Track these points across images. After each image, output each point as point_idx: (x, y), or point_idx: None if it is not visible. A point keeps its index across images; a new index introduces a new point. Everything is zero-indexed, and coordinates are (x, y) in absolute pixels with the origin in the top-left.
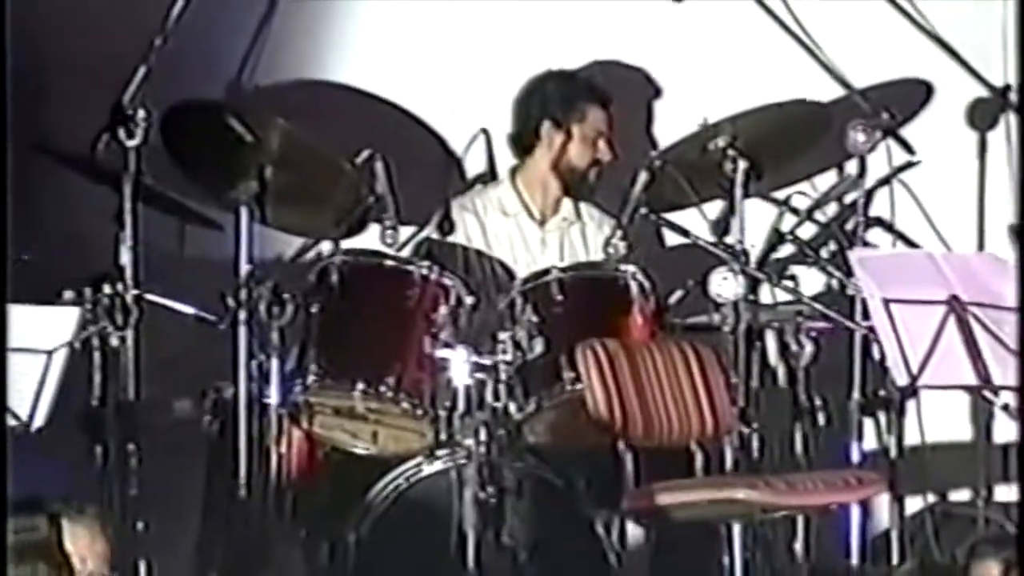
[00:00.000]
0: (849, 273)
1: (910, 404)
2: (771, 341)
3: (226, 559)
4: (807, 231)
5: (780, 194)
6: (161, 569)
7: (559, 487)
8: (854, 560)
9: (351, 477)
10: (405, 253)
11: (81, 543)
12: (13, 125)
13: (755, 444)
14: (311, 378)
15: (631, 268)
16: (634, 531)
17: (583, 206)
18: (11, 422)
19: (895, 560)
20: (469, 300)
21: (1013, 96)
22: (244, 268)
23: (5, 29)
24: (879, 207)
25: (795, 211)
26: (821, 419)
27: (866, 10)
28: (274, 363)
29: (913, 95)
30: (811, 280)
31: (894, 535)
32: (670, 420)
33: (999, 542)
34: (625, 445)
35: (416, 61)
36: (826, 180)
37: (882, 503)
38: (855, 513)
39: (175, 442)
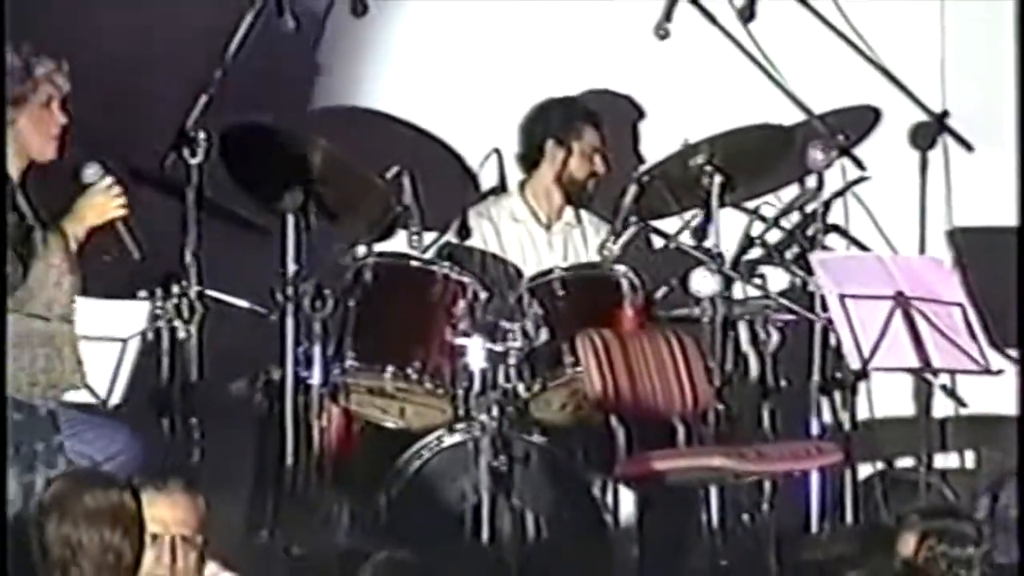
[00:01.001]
0: (810, 272)
1: (862, 384)
2: (743, 331)
3: (274, 517)
4: (774, 236)
5: (751, 204)
6: (218, 525)
7: (561, 456)
8: (813, 518)
9: (382, 447)
10: (429, 255)
11: (161, 511)
12: (101, 149)
13: (728, 419)
14: (348, 362)
15: (623, 268)
16: (625, 494)
17: (583, 213)
18: (91, 399)
19: (848, 518)
20: (484, 295)
21: (949, 121)
22: (291, 268)
23: (4, 29)
24: (835, 216)
25: (763, 219)
26: (786, 396)
27: (824, 47)
28: (316, 349)
29: (864, 119)
30: (777, 278)
31: (848, 497)
32: (656, 398)
33: (927, 514)
34: (618, 420)
35: (437, 91)
36: (790, 192)
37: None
38: (814, 478)
39: (231, 417)
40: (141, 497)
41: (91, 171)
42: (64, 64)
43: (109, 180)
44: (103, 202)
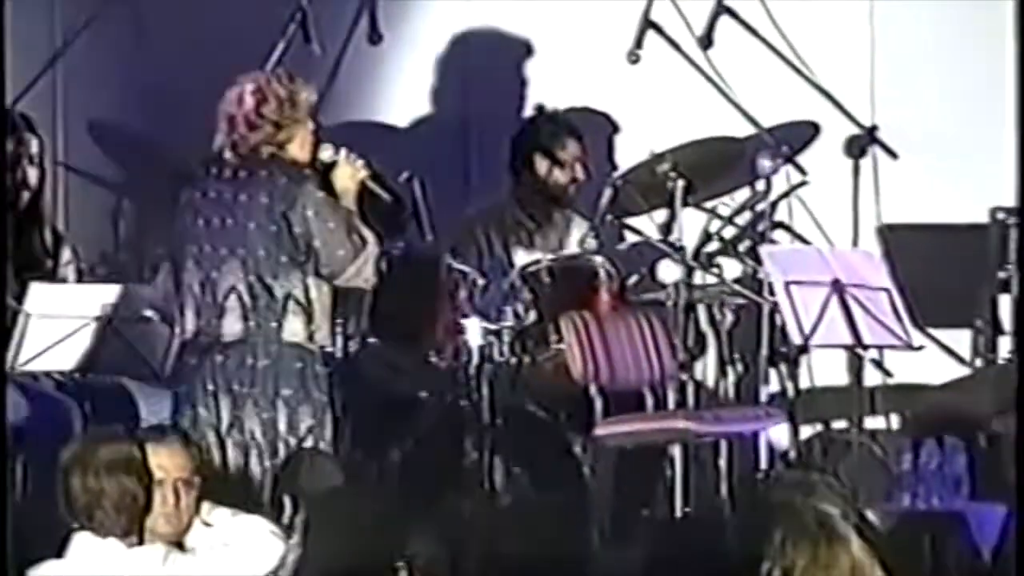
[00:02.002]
0: (759, 263)
1: (803, 358)
2: (702, 313)
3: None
4: (729, 232)
5: (709, 204)
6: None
7: (547, 420)
8: (761, 471)
9: (396, 412)
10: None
11: (163, 459)
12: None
13: (691, 388)
14: (367, 339)
15: (600, 258)
16: (602, 452)
17: (565, 212)
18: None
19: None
20: (481, 282)
21: (878, 133)
22: None
23: (4, 29)
24: (781, 214)
25: (720, 217)
26: (739, 368)
27: (772, 70)
28: (339, 329)
29: (805, 132)
30: (732, 268)
31: (791, 454)
32: (628, 370)
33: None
34: (596, 389)
35: (442, 107)
36: (742, 194)
37: (783, 431)
38: (763, 438)
39: None
40: (146, 448)
41: (328, 153)
42: (312, 82)
43: (344, 151)
44: (352, 171)
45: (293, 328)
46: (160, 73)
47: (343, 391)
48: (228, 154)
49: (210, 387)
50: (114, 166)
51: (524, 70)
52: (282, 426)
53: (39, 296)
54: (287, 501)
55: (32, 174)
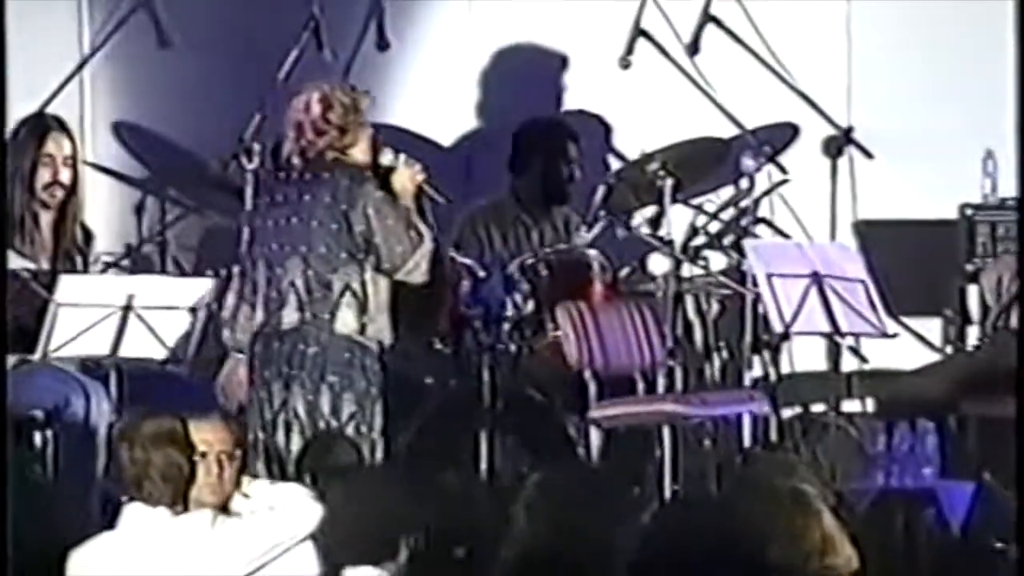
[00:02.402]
0: (743, 256)
1: (784, 345)
2: (690, 303)
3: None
4: (714, 227)
5: (696, 201)
6: None
7: (544, 403)
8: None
9: (404, 395)
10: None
11: (206, 434)
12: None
13: (679, 373)
14: None
15: (594, 252)
16: (595, 433)
17: (562, 208)
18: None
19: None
20: (482, 274)
21: (854, 134)
22: None
23: (4, 30)
24: (763, 210)
25: (706, 213)
26: (724, 355)
27: (754, 75)
28: None
29: (785, 133)
30: (717, 261)
31: (773, 434)
32: (620, 356)
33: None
34: (590, 374)
35: (447, 110)
36: (727, 192)
37: (765, 413)
38: (747, 419)
39: None
40: (188, 424)
41: (388, 157)
42: (370, 91)
43: (403, 156)
44: (411, 174)
45: (346, 319)
46: (181, 78)
47: None
48: (296, 159)
49: (266, 374)
50: (137, 165)
51: (525, 73)
52: (325, 409)
53: (69, 287)
54: (307, 478)
55: (66, 174)
